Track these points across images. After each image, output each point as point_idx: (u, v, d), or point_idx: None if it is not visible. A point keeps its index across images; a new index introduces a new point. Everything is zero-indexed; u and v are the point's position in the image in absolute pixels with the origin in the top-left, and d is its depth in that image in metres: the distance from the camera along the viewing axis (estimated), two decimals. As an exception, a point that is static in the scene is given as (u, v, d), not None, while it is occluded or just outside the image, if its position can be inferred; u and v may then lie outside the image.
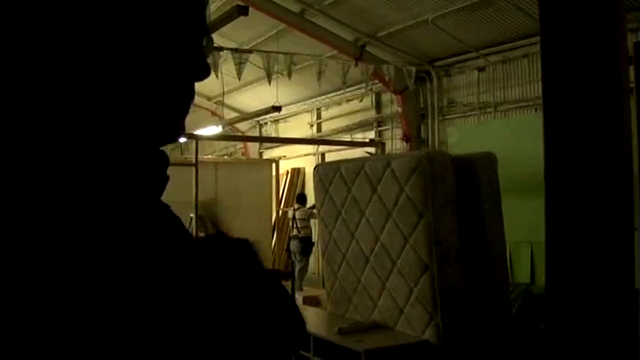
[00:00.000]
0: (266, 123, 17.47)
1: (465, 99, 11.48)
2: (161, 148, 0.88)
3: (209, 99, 16.25)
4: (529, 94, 9.98)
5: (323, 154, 14.93)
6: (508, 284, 5.04)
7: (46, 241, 0.67)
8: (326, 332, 4.46)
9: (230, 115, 16.28)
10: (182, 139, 13.17)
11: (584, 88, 2.88)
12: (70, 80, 0.75)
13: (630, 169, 2.89)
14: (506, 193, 4.82)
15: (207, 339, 0.76)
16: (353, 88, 12.83)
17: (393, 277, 4.44)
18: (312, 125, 15.61)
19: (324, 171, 5.08)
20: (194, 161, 10.27)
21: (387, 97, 13.14)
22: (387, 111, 13.33)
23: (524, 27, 9.31)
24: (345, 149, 13.02)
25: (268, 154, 16.96)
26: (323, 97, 14.43)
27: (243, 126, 17.58)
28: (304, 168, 15.62)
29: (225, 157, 17.99)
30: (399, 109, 12.29)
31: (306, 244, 12.87)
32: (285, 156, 15.93)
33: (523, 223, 7.45)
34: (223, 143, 18.26)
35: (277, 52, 11.08)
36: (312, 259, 13.02)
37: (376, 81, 12.11)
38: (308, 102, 15.13)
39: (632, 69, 3.42)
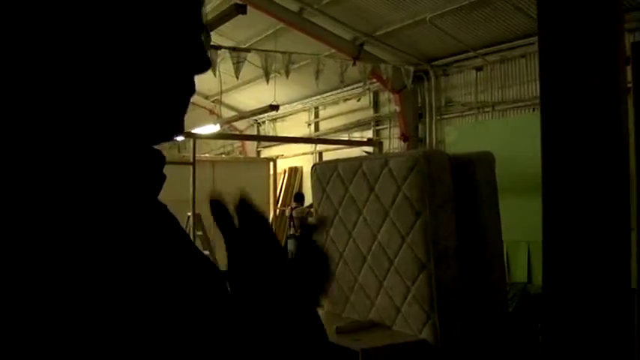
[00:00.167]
0: (264, 122, 17.47)
1: (462, 98, 11.49)
2: (157, 147, 0.87)
3: (207, 97, 16.25)
4: (527, 94, 9.99)
5: (320, 153, 14.93)
6: (505, 284, 5.05)
7: (39, 241, 0.67)
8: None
9: (228, 113, 16.29)
10: (180, 138, 13.17)
11: (581, 88, 2.89)
12: (65, 75, 0.75)
13: (627, 169, 2.90)
14: (504, 192, 4.82)
15: (201, 339, 0.76)
16: (351, 87, 12.84)
17: (390, 276, 4.44)
18: (309, 124, 15.61)
19: (322, 170, 5.08)
20: (192, 160, 10.27)
21: (384, 96, 13.15)
22: (384, 110, 13.33)
23: (523, 27, 9.32)
24: (343, 148, 13.03)
25: (266, 153, 16.96)
26: (321, 96, 14.44)
27: (240, 125, 17.59)
28: (302, 167, 15.63)
29: (223, 155, 17.99)
30: (397, 109, 12.30)
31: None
32: (282, 155, 15.94)
33: (520, 223, 7.47)
34: (221, 142, 18.27)
35: (275, 51, 11.09)
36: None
37: (374, 80, 12.12)
38: (306, 101, 15.13)
39: (629, 69, 3.43)
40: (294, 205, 13.51)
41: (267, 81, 11.09)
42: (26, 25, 0.75)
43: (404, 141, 12.15)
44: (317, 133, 15.30)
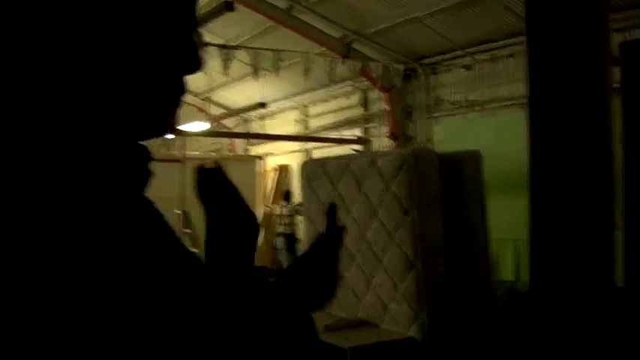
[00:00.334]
0: (253, 120, 17.45)
1: (451, 97, 11.50)
2: (144, 144, 0.87)
3: (196, 95, 16.21)
4: (515, 93, 10.01)
5: (309, 151, 14.92)
6: (493, 282, 5.06)
7: (20, 234, 0.67)
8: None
9: (217, 111, 16.26)
10: (169, 135, 13.15)
11: (568, 88, 2.90)
12: (53, 71, 0.75)
13: (611, 168, 2.92)
14: (492, 191, 4.84)
15: (185, 333, 0.76)
16: (340, 85, 12.84)
17: (378, 274, 4.45)
18: (298, 122, 15.60)
19: (310, 168, 5.08)
20: (180, 157, 10.26)
21: (374, 94, 13.15)
22: (374, 108, 13.34)
23: (512, 26, 9.35)
24: (332, 146, 13.03)
25: (254, 151, 16.93)
26: (310, 94, 14.42)
27: (229, 122, 17.56)
28: (290, 165, 15.61)
29: (212, 153, 17.95)
30: (386, 107, 12.31)
31: (291, 241, 12.89)
32: (271, 153, 15.92)
33: (508, 221, 7.49)
34: (210, 139, 18.23)
35: (264, 49, 11.07)
36: (298, 256, 13.03)
37: (363, 78, 12.13)
38: (295, 99, 15.12)
39: (618, 69, 3.45)
40: (282, 203, 13.52)
41: (257, 78, 11.08)
42: (12, 21, 0.74)
43: (393, 139, 12.16)
44: (306, 131, 15.29)
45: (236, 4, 9.62)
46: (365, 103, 13.57)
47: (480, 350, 4.43)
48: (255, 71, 10.84)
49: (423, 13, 9.85)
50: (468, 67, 11.03)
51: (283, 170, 15.84)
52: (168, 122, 0.88)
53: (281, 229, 13.21)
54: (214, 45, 10.78)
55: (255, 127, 17.32)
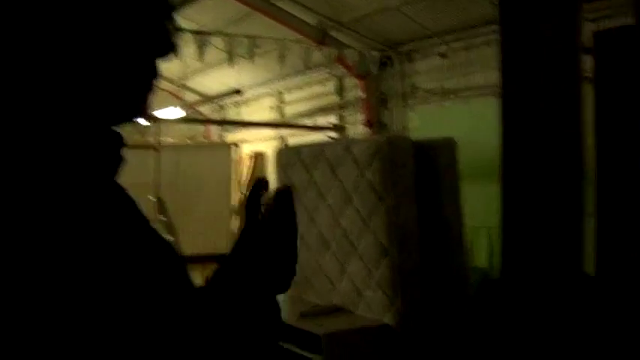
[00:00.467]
0: (228, 106, 17.38)
1: (427, 85, 11.51)
2: (117, 130, 0.86)
3: (170, 81, 16.11)
4: (490, 81, 10.02)
5: (285, 138, 14.89)
6: (467, 269, 5.10)
7: None
8: (286, 316, 4.47)
9: (192, 97, 16.17)
10: (143, 122, 13.07)
11: (539, 77, 2.92)
12: (21, 56, 0.75)
13: (582, 156, 2.94)
14: (466, 178, 4.86)
15: (157, 321, 0.76)
16: (315, 72, 12.81)
17: (353, 261, 4.46)
18: (274, 109, 15.56)
19: (285, 155, 5.08)
20: (155, 144, 10.20)
21: (349, 81, 13.13)
22: (349, 96, 13.32)
23: (487, 14, 9.34)
24: (307, 133, 13.02)
25: (230, 138, 16.87)
26: (285, 80, 14.38)
27: (205, 109, 17.47)
28: (266, 152, 15.58)
29: (187, 140, 17.88)
30: (362, 94, 12.30)
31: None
32: (246, 140, 15.87)
33: (482, 209, 7.53)
34: (185, 126, 18.14)
35: (240, 35, 11.02)
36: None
37: (339, 65, 12.11)
38: (270, 85, 15.07)
39: (591, 58, 3.47)
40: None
41: (232, 65, 11.03)
42: None
43: (368, 127, 12.17)
44: (281, 118, 15.26)
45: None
46: (340, 90, 13.55)
47: (454, 336, 4.46)
48: (231, 58, 10.78)
49: (400, 1, 9.84)
50: (443, 55, 11.05)
51: (258, 157, 15.81)
52: (142, 106, 0.88)
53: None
54: (189, 31, 10.70)
55: (231, 114, 17.24)
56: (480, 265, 9.22)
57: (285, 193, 1.13)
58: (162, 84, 15.75)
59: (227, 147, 14.32)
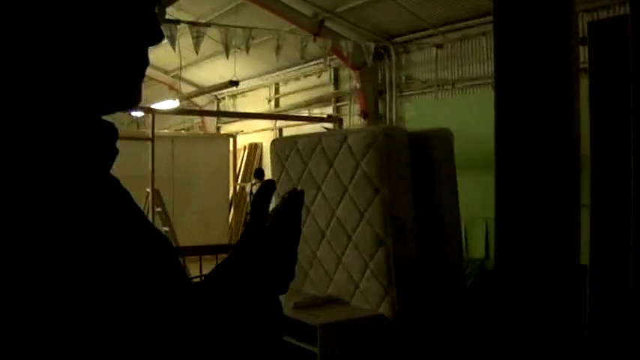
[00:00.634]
0: (224, 98, 17.38)
1: (422, 75, 11.53)
2: (112, 122, 0.86)
3: (166, 73, 16.10)
4: (486, 72, 10.05)
5: (281, 130, 14.90)
6: (462, 259, 5.11)
7: None
8: (282, 307, 4.47)
9: (187, 89, 16.16)
10: (139, 113, 13.06)
11: (534, 67, 2.93)
12: (12, 47, 0.74)
13: (577, 147, 2.95)
14: (462, 169, 4.86)
15: (151, 314, 0.76)
16: (311, 63, 12.82)
17: (348, 251, 4.47)
18: (270, 100, 15.56)
19: (281, 146, 5.08)
20: (151, 135, 10.19)
21: (345, 72, 13.15)
22: (345, 87, 13.34)
23: (483, 5, 9.35)
24: (303, 125, 13.02)
25: (226, 129, 16.87)
26: (281, 72, 14.39)
27: (200, 100, 17.47)
28: (262, 143, 15.59)
29: (183, 131, 17.87)
30: (357, 85, 12.31)
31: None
32: (242, 131, 15.88)
33: (478, 200, 7.54)
34: (180, 118, 18.13)
35: (235, 26, 11.00)
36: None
37: (334, 56, 12.10)
38: (266, 77, 15.07)
39: (586, 49, 3.48)
40: (254, 181, 13.50)
41: (227, 56, 11.02)
42: None
43: (364, 117, 12.18)
44: (277, 109, 15.26)
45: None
46: (336, 81, 13.56)
47: (449, 327, 4.48)
48: (226, 49, 10.77)
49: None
50: (439, 46, 11.05)
51: (253, 148, 15.81)
52: (134, 94, 0.87)
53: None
54: (185, 22, 10.69)
55: (227, 106, 17.25)
56: (476, 256, 9.24)
57: (296, 197, 1.13)
58: (158, 76, 15.74)
59: (225, 138, 14.32)
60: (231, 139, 14.22)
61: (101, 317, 0.70)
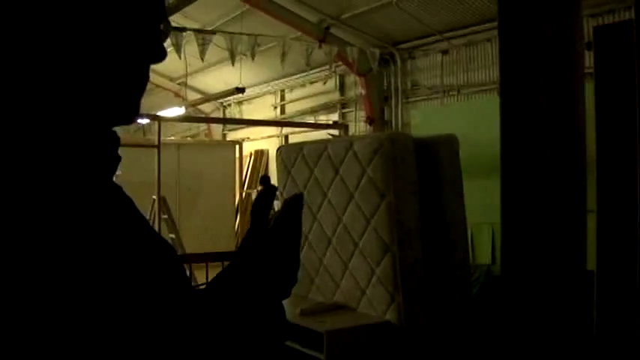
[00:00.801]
0: (229, 105, 17.39)
1: (428, 82, 11.52)
2: (112, 129, 0.87)
3: (172, 80, 16.12)
4: (492, 78, 10.04)
5: (287, 136, 14.91)
6: (469, 265, 5.10)
7: None
8: (288, 313, 4.47)
9: (193, 96, 16.19)
10: (145, 121, 13.08)
11: (539, 72, 2.93)
12: (21, 62, 0.75)
13: (583, 152, 2.95)
14: (468, 174, 4.86)
15: (154, 319, 0.76)
16: (317, 70, 12.81)
17: (354, 258, 4.46)
18: (275, 107, 15.57)
19: (287, 152, 5.08)
20: (157, 143, 10.20)
21: (350, 79, 13.15)
22: (350, 93, 13.34)
23: (488, 10, 9.35)
24: (309, 131, 13.03)
25: (232, 136, 16.89)
26: (287, 78, 14.39)
27: (206, 107, 17.48)
28: (268, 150, 15.59)
29: (189, 138, 17.89)
30: (363, 92, 12.30)
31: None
32: (248, 138, 15.88)
33: (484, 205, 7.53)
34: (186, 125, 18.15)
35: (241, 34, 11.02)
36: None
37: (340, 63, 12.11)
38: (272, 84, 15.08)
39: (591, 54, 3.48)
40: (260, 188, 13.49)
41: (233, 63, 11.03)
42: None
43: (369, 124, 12.17)
44: (283, 116, 15.27)
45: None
46: (342, 87, 13.56)
47: (456, 333, 4.47)
48: (232, 56, 10.78)
49: (399, -2, 9.84)
50: (444, 52, 11.05)
51: (259, 155, 15.82)
52: (135, 109, 0.89)
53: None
54: (190, 30, 10.71)
55: (233, 112, 17.26)
56: (483, 261, 9.22)
57: (296, 202, 1.13)
58: (164, 83, 15.78)
59: (231, 145, 14.32)
60: (237, 146, 14.23)
61: (103, 323, 0.70)
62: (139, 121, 13.36)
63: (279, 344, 1.07)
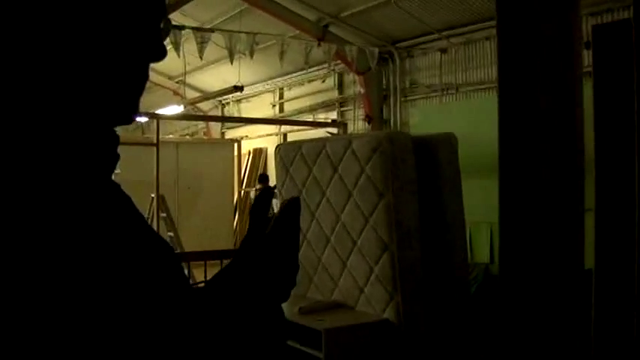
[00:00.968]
0: (228, 103, 17.40)
1: (427, 80, 11.53)
2: (112, 128, 0.87)
3: (170, 78, 16.12)
4: (490, 76, 10.04)
5: (285, 135, 14.91)
6: (467, 264, 5.10)
7: None
8: (287, 312, 4.48)
9: (192, 94, 16.19)
10: (143, 119, 13.08)
11: (537, 71, 2.92)
12: (21, 62, 0.76)
13: (581, 151, 2.94)
14: (467, 173, 4.86)
15: (151, 318, 0.76)
16: (315, 68, 12.82)
17: (353, 256, 4.46)
18: (274, 105, 15.58)
19: (286, 151, 5.08)
20: (155, 141, 10.19)
21: (349, 77, 13.15)
22: (349, 92, 13.34)
23: (486, 9, 9.36)
24: (308, 130, 13.03)
25: (230, 135, 16.90)
26: (285, 77, 14.40)
27: (205, 106, 17.48)
28: (266, 148, 15.60)
29: (187, 136, 17.89)
30: (362, 90, 12.31)
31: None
32: (247, 136, 15.88)
33: (483, 204, 7.53)
34: (185, 123, 18.15)
35: (239, 32, 11.02)
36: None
37: (339, 61, 12.11)
38: (270, 82, 15.09)
39: (590, 53, 3.48)
40: (258, 186, 13.50)
41: (232, 61, 11.03)
42: None
43: (368, 122, 12.18)
44: (282, 114, 15.27)
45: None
46: (340, 86, 13.57)
47: (454, 332, 4.47)
48: (231, 54, 10.78)
49: (398, -4, 9.84)
50: (443, 51, 11.05)
51: (258, 153, 15.82)
52: (135, 108, 0.89)
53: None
54: (189, 28, 10.71)
55: (231, 111, 17.26)
56: (481, 261, 9.24)
57: (293, 204, 1.13)
58: (163, 81, 15.78)
59: (229, 143, 14.32)
60: (235, 145, 14.23)
61: (101, 322, 0.70)
62: (138, 119, 13.37)
63: (279, 346, 1.07)
